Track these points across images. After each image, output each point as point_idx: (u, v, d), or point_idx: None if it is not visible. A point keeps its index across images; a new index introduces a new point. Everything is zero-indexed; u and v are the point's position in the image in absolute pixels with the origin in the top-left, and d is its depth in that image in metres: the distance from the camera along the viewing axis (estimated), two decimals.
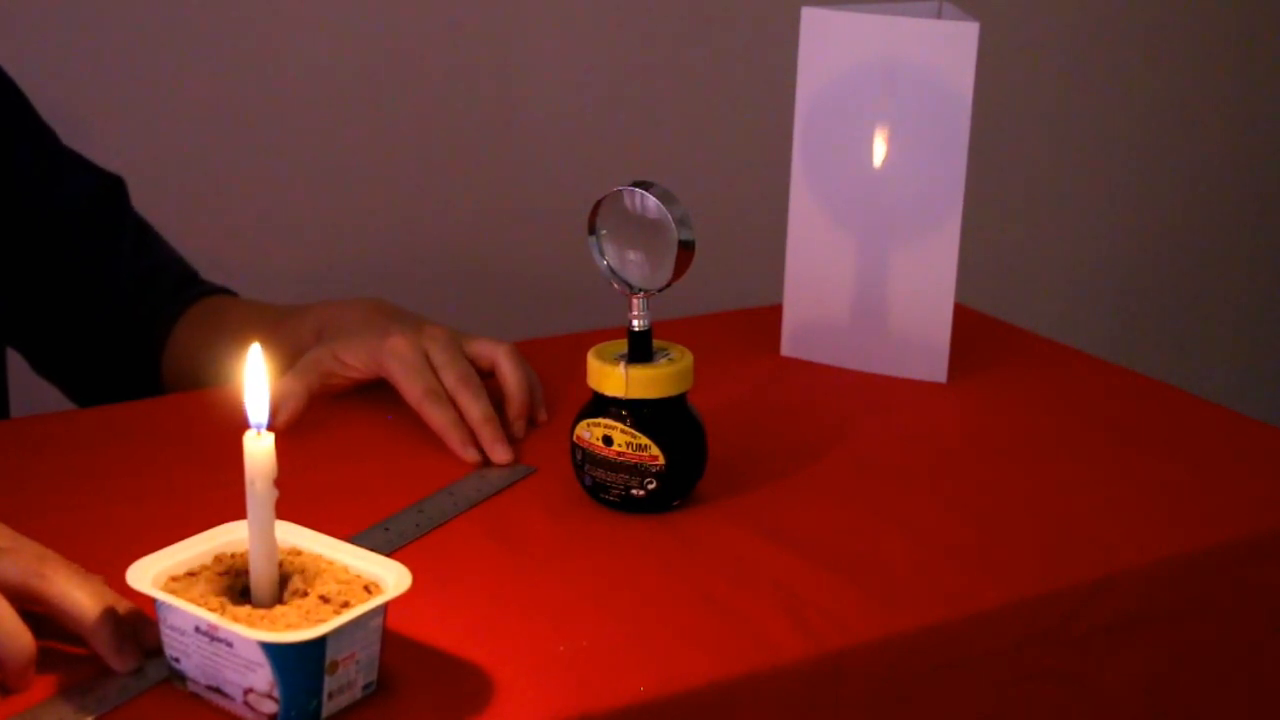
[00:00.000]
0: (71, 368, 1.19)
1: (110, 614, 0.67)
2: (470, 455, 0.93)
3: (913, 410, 1.05)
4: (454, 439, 0.93)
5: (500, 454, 0.93)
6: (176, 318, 1.15)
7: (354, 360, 0.98)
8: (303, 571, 0.69)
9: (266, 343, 1.06)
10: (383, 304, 1.04)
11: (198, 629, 0.65)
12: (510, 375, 0.98)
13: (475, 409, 0.94)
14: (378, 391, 0.99)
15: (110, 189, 1.18)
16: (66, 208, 1.15)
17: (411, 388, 0.95)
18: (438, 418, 0.94)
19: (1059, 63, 2.11)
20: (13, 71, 1.16)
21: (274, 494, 0.66)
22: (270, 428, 0.66)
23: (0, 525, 0.73)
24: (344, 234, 1.67)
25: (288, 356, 1.02)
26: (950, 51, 1.03)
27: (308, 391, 0.97)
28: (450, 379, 0.96)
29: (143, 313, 1.16)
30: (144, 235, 1.19)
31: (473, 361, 0.99)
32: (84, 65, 1.52)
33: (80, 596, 0.68)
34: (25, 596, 0.68)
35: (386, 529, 0.83)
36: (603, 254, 0.86)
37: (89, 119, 1.48)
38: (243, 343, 1.06)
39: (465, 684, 0.68)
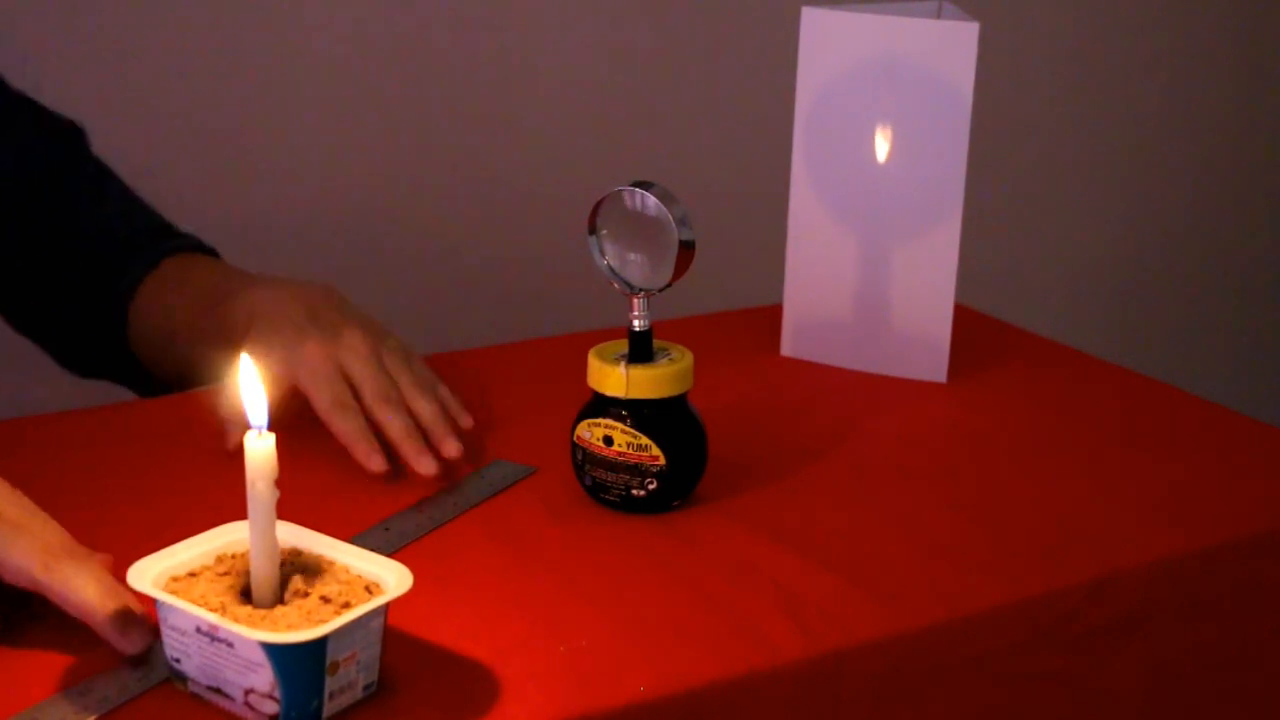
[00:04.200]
0: (45, 325, 1.15)
1: (115, 603, 0.68)
2: (376, 464, 0.88)
3: (913, 410, 1.05)
4: (359, 450, 0.88)
5: (425, 466, 0.88)
6: (141, 278, 1.10)
7: (271, 369, 0.91)
8: (304, 572, 0.69)
9: (205, 322, 1.04)
10: (314, 296, 0.98)
11: (198, 629, 0.65)
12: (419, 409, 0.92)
13: (394, 426, 0.90)
14: None
15: (64, 136, 1.13)
16: (14, 154, 1.09)
17: (319, 397, 0.90)
18: (341, 426, 0.89)
19: (1059, 63, 2.11)
20: None
21: (275, 494, 0.66)
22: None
23: (26, 501, 0.72)
24: (343, 234, 1.66)
25: (221, 342, 0.98)
26: (950, 51, 1.03)
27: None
28: (366, 395, 0.91)
29: (105, 265, 1.11)
30: (104, 183, 1.14)
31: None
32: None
33: (82, 586, 0.68)
34: (29, 585, 0.68)
35: (387, 529, 0.83)
36: (603, 254, 0.86)
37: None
38: (188, 323, 1.05)
39: (465, 684, 0.68)
